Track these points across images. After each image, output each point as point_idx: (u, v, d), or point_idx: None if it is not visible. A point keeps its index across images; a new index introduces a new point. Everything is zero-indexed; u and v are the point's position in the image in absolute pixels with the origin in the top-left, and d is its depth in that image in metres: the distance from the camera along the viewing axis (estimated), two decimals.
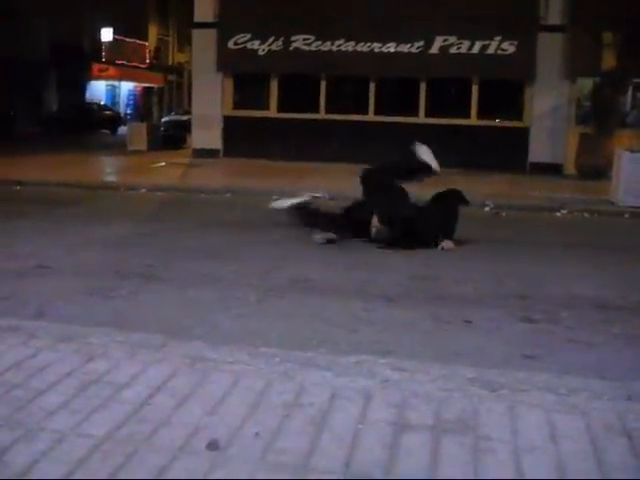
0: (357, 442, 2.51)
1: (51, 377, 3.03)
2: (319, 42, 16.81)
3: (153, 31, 43.06)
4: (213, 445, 2.45)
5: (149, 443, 2.47)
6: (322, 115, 17.35)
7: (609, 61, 14.94)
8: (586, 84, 16.10)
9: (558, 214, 10.37)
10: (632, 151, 11.26)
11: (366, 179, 8.25)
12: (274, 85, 17.59)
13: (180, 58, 46.18)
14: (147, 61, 41.75)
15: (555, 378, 3.24)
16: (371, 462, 2.38)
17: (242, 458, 2.38)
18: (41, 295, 4.95)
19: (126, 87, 42.07)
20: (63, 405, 2.75)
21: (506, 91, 17.11)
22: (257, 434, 2.54)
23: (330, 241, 7.49)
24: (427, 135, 16.24)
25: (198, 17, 17.76)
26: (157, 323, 4.33)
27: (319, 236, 7.55)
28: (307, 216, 8.14)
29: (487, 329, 4.49)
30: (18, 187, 11.73)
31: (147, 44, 42.16)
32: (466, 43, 16.18)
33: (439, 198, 8.25)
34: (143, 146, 20.23)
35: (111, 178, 14.71)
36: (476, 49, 16.16)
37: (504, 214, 10.23)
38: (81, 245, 6.94)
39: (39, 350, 3.36)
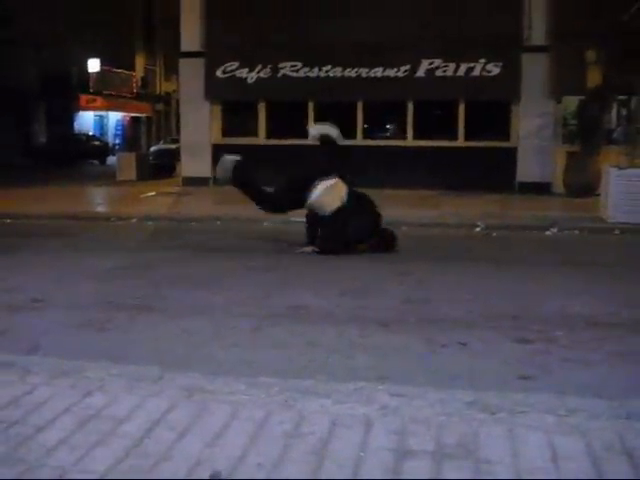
0: (359, 469, 2.51)
1: (49, 413, 3.02)
2: (306, 68, 16.94)
3: (140, 61, 43.26)
4: (216, 476, 2.44)
5: (151, 477, 2.46)
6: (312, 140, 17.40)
7: (593, 79, 15.09)
8: (571, 102, 16.24)
9: (548, 233, 10.42)
10: (620, 167, 11.35)
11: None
12: (262, 112, 17.68)
13: (167, 87, 46.37)
14: (134, 91, 41.88)
15: (553, 399, 3.25)
16: None
17: None
18: (35, 329, 4.93)
19: (114, 117, 42.18)
20: (63, 441, 2.74)
21: (492, 112, 17.25)
22: (259, 464, 2.53)
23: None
24: (415, 157, 16.47)
25: (185, 46, 17.88)
26: (152, 355, 4.31)
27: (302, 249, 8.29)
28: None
29: (482, 351, 4.50)
30: (8, 220, 11.70)
31: (134, 74, 42.33)
32: (452, 66, 16.33)
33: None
34: (132, 176, 20.24)
35: (101, 209, 14.71)
36: (462, 71, 16.32)
37: (495, 234, 10.28)
38: (73, 277, 6.92)
39: (36, 386, 3.35)
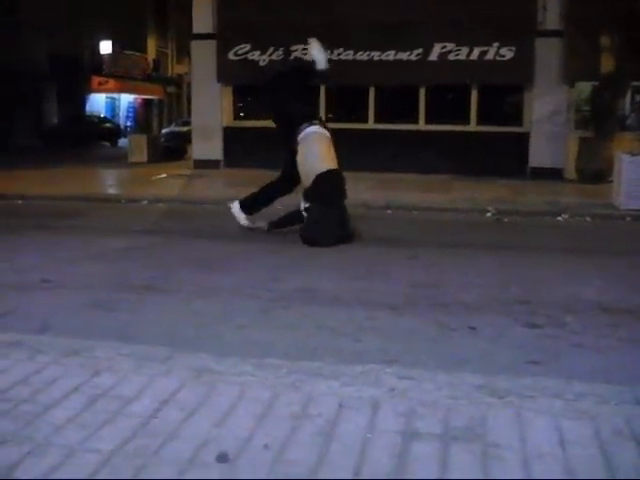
0: (366, 452, 2.51)
1: (58, 392, 3.03)
2: None
3: (152, 43, 43.20)
4: (222, 457, 2.45)
5: (158, 457, 2.47)
6: None
7: (607, 65, 14.95)
8: (585, 88, 16.12)
9: (560, 219, 10.36)
10: (632, 154, 11.26)
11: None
12: None
13: (179, 70, 46.31)
14: (146, 73, 41.85)
15: (562, 384, 3.24)
16: (380, 472, 2.38)
17: (251, 470, 2.38)
18: (45, 309, 4.95)
19: (126, 99, 42.17)
20: (71, 420, 2.75)
21: (505, 97, 17.17)
22: (266, 446, 2.54)
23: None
24: (427, 142, 16.40)
25: (197, 29, 17.82)
26: (161, 335, 4.33)
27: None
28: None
29: (492, 335, 4.49)
30: (20, 201, 11.74)
31: (146, 56, 42.29)
32: (465, 49, 16.20)
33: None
34: (143, 158, 20.25)
35: (112, 190, 14.72)
36: (475, 55, 16.19)
37: (506, 220, 10.23)
38: (83, 258, 6.94)
39: (45, 365, 3.36)
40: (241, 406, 2.90)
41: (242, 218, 8.77)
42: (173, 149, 22.87)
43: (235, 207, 8.84)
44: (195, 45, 18.13)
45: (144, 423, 2.72)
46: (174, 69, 46.74)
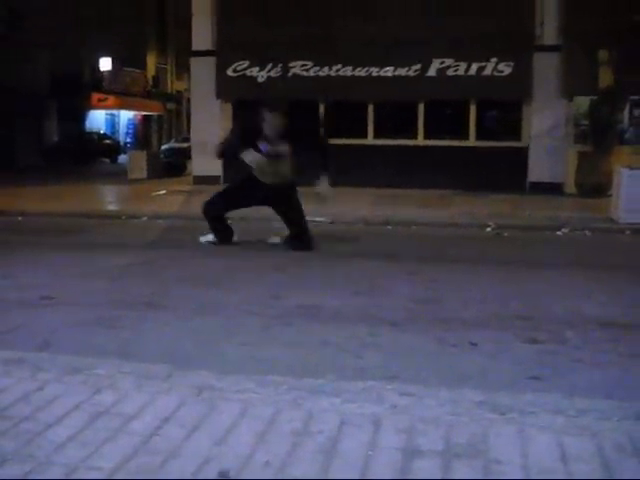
0: (368, 469, 2.51)
1: (59, 410, 3.03)
2: (317, 68, 16.93)
3: (151, 60, 43.37)
4: (224, 475, 2.44)
5: (159, 474, 2.46)
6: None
7: (605, 79, 15.02)
8: (583, 102, 16.18)
9: (559, 233, 10.38)
10: (631, 168, 11.30)
11: None
12: None
13: (179, 86, 46.46)
14: (146, 89, 41.99)
15: (563, 399, 3.24)
16: None
17: None
18: (46, 326, 4.95)
19: (125, 116, 42.30)
20: (72, 438, 2.74)
21: (504, 111, 17.24)
22: (267, 463, 2.53)
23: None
24: (426, 157, 16.44)
25: (196, 45, 17.91)
26: (162, 352, 4.32)
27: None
28: None
29: (492, 351, 4.49)
30: (20, 218, 11.76)
31: (146, 73, 42.44)
32: (463, 65, 16.28)
33: None
34: (143, 174, 20.30)
35: (112, 207, 14.75)
36: (473, 71, 16.27)
37: (505, 234, 10.25)
38: (84, 275, 6.94)
39: (46, 382, 3.36)
40: (242, 423, 2.90)
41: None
42: (173, 165, 22.91)
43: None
44: (194, 62, 18.21)
45: (145, 441, 2.72)
46: (173, 85, 46.90)
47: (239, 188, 8.81)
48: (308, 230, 8.60)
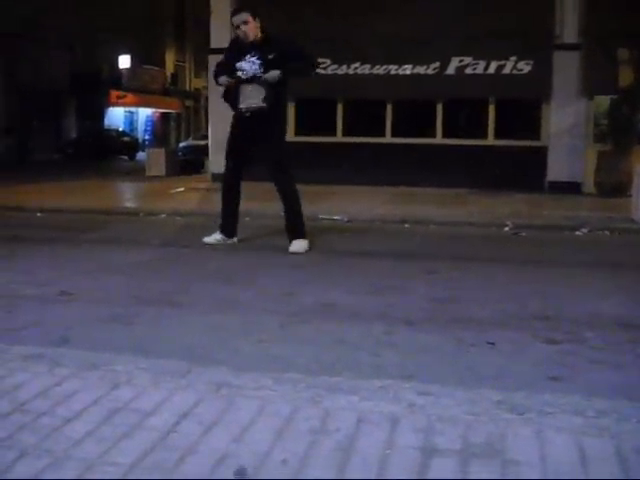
0: (385, 468, 2.50)
1: (77, 405, 3.04)
2: (335, 66, 16.92)
3: (170, 57, 43.55)
4: (241, 472, 2.44)
5: (176, 471, 2.46)
6: (339, 138, 17.42)
7: (626, 78, 14.92)
8: (603, 102, 16.08)
9: (578, 233, 10.31)
10: None
11: None
12: (291, 109, 17.68)
13: (197, 83, 46.64)
14: (164, 87, 42.15)
15: (582, 400, 3.21)
16: None
17: None
18: (64, 322, 4.97)
19: (144, 113, 42.51)
20: (90, 433, 2.75)
21: (523, 110, 17.15)
22: (284, 461, 2.53)
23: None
24: (444, 156, 16.39)
25: (214, 43, 17.94)
26: (179, 349, 4.33)
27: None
28: None
29: (511, 351, 4.46)
30: (39, 214, 11.84)
31: (164, 70, 42.59)
32: (482, 63, 16.23)
33: None
34: (161, 171, 20.38)
35: (130, 204, 14.81)
36: (492, 69, 16.20)
37: (524, 234, 10.19)
38: (102, 271, 6.98)
39: (64, 378, 3.37)
40: (260, 421, 2.89)
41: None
42: (191, 163, 23.00)
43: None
44: (213, 59, 18.22)
45: (163, 437, 2.72)
46: (192, 83, 47.08)
47: (230, 135, 9.09)
48: (302, 215, 8.44)
